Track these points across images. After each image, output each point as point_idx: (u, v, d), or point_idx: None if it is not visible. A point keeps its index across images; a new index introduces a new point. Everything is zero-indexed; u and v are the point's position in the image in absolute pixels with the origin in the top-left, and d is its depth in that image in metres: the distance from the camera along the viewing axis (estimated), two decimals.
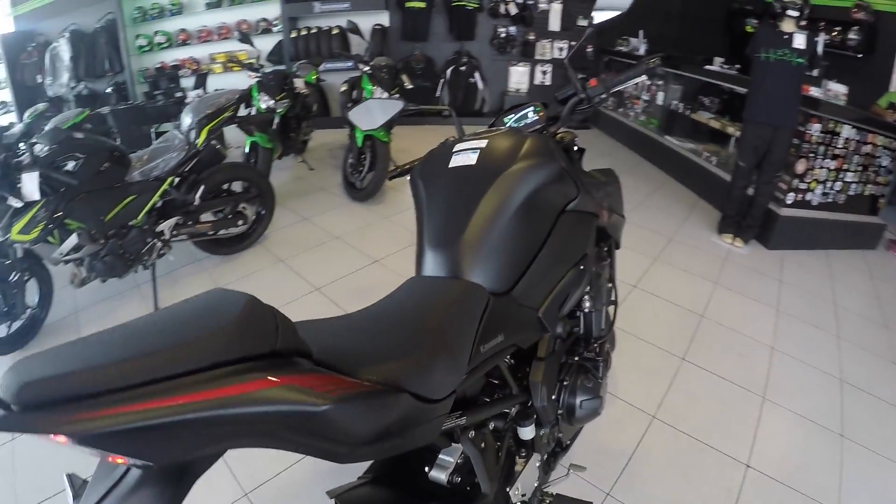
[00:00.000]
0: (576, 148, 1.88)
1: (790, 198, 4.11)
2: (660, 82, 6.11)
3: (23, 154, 2.77)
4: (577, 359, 1.61)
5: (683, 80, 5.72)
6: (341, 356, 0.82)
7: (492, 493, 1.16)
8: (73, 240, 2.95)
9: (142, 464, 0.63)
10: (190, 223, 3.45)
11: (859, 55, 5.26)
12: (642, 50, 6.66)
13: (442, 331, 1.02)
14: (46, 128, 3.75)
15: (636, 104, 6.70)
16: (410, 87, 5.03)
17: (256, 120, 4.59)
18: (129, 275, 3.24)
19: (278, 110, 4.86)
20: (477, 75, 7.21)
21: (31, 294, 3.03)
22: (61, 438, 0.52)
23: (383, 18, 7.14)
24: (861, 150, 4.13)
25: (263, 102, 4.83)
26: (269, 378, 0.65)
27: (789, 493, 2.09)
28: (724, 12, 7.51)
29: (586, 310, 1.71)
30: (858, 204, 4.33)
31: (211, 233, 3.59)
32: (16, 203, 2.70)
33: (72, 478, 0.71)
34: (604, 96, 1.69)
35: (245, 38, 5.17)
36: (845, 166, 4.14)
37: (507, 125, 1.77)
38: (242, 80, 5.50)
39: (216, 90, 5.63)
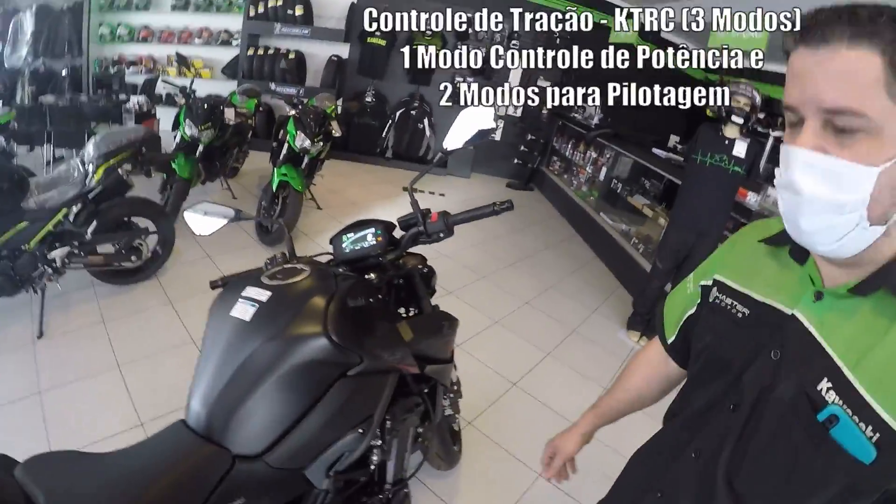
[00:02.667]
0: (424, 270, 1.86)
1: None
2: (608, 155, 6.04)
3: None
4: None
5: (630, 158, 5.65)
6: None
7: None
8: None
9: None
10: (83, 253, 3.37)
11: None
12: (596, 119, 6.63)
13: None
14: None
15: (581, 173, 6.63)
16: (339, 134, 4.87)
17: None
18: (18, 295, 3.18)
19: (202, 139, 4.70)
20: (426, 122, 7.11)
21: None
22: None
23: (341, 50, 7.06)
24: None
25: (188, 129, 4.66)
26: None
27: None
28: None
29: (374, 463, 1.60)
30: None
31: (103, 265, 3.53)
32: None
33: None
34: (442, 235, 1.63)
35: (182, 61, 5.11)
36: None
37: (346, 244, 1.68)
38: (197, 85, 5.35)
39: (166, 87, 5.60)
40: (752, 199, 3.94)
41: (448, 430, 2.40)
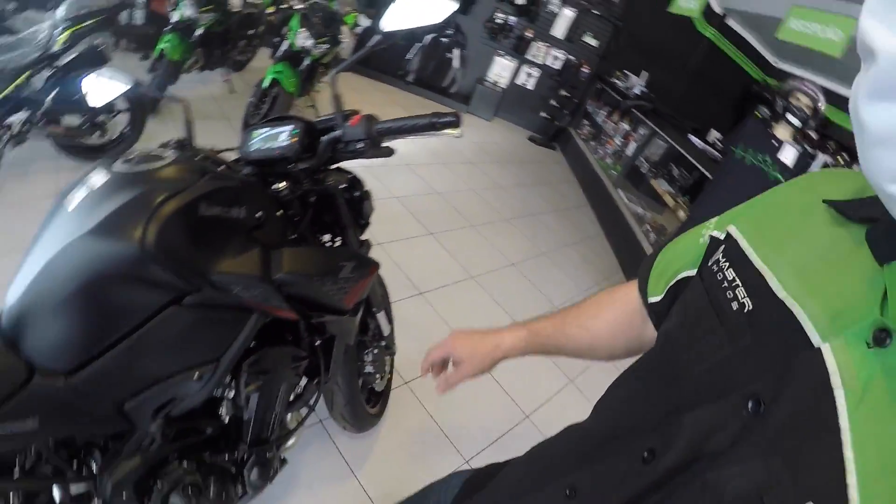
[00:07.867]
0: (356, 194, 1.50)
1: None
2: (641, 132, 5.52)
3: None
4: (185, 464, 1.24)
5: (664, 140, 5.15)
6: None
7: None
8: None
9: None
10: (42, 122, 3.14)
11: None
12: (636, 90, 6.07)
13: None
14: None
15: (609, 144, 6.12)
16: (347, 41, 4.47)
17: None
18: None
19: (200, 22, 4.31)
20: (456, 52, 6.54)
21: None
22: None
23: None
24: None
25: (188, 9, 4.24)
26: None
27: None
28: (741, 89, 6.94)
29: (224, 417, 1.31)
30: None
31: (63, 136, 3.32)
32: None
33: None
34: (362, 144, 1.25)
35: None
36: None
37: (255, 140, 1.33)
38: None
39: None
40: None
41: (365, 389, 2.05)
